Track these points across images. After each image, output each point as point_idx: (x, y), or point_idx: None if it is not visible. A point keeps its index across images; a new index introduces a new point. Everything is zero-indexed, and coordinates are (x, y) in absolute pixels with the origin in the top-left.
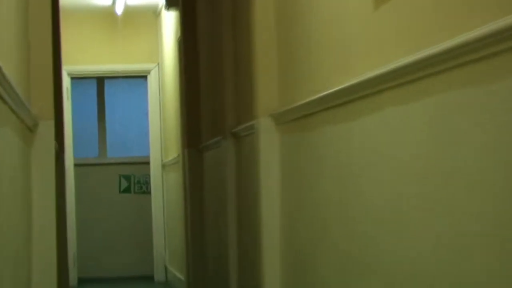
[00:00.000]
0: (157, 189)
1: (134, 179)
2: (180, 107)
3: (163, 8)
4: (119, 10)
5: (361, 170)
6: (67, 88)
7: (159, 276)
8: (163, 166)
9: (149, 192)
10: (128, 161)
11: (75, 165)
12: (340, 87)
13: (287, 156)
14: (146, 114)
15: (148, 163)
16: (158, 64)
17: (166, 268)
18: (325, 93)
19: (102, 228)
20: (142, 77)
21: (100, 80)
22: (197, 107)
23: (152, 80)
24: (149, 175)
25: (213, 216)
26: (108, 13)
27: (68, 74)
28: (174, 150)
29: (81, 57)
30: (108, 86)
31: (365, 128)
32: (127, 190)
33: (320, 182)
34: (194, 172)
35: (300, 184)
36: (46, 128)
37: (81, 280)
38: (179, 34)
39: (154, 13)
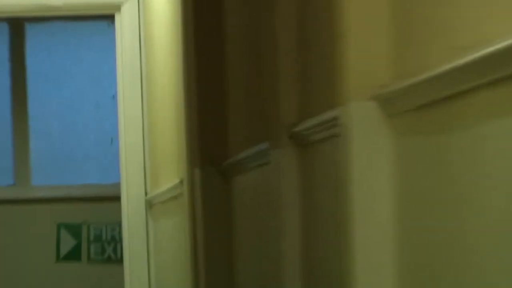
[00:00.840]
0: (136, 252)
1: (89, 233)
2: (184, 84)
3: None
4: None
5: None
6: None
7: None
8: (149, 204)
9: (120, 260)
10: (76, 195)
11: None
12: None
13: (409, 178)
14: (113, 96)
15: (116, 198)
16: None
17: None
18: (487, 50)
19: None
20: (104, 18)
21: (17, 25)
22: (219, 89)
23: (125, 24)
24: (119, 224)
25: None
26: None
27: None
28: (171, 173)
29: None
30: (32, 37)
31: None
32: (73, 255)
33: (478, 227)
34: (213, 214)
35: (438, 230)
36: None
37: None
38: None
39: None
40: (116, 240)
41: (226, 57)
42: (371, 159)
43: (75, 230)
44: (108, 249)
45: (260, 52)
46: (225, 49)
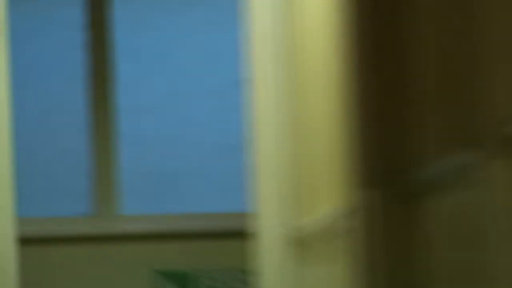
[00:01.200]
0: None
1: (200, 284)
2: (350, 70)
3: None
4: None
5: None
6: None
7: None
8: (295, 242)
9: None
10: (181, 230)
11: (23, 240)
12: None
13: None
14: (238, 84)
15: (242, 235)
16: None
17: None
18: None
19: None
20: None
21: None
22: (400, 77)
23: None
24: (245, 272)
25: None
26: None
27: None
28: (330, 196)
29: None
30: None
31: None
32: None
33: None
34: (397, 256)
35: None
36: None
37: None
38: None
39: None
40: None
41: (407, 33)
42: None
43: (179, 279)
44: None
45: (460, 27)
46: (407, 21)
